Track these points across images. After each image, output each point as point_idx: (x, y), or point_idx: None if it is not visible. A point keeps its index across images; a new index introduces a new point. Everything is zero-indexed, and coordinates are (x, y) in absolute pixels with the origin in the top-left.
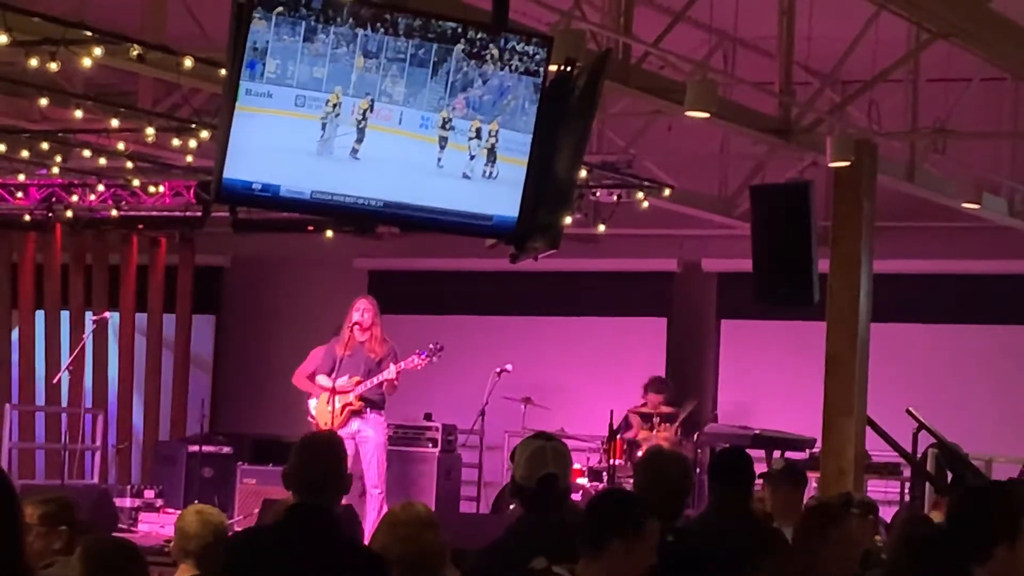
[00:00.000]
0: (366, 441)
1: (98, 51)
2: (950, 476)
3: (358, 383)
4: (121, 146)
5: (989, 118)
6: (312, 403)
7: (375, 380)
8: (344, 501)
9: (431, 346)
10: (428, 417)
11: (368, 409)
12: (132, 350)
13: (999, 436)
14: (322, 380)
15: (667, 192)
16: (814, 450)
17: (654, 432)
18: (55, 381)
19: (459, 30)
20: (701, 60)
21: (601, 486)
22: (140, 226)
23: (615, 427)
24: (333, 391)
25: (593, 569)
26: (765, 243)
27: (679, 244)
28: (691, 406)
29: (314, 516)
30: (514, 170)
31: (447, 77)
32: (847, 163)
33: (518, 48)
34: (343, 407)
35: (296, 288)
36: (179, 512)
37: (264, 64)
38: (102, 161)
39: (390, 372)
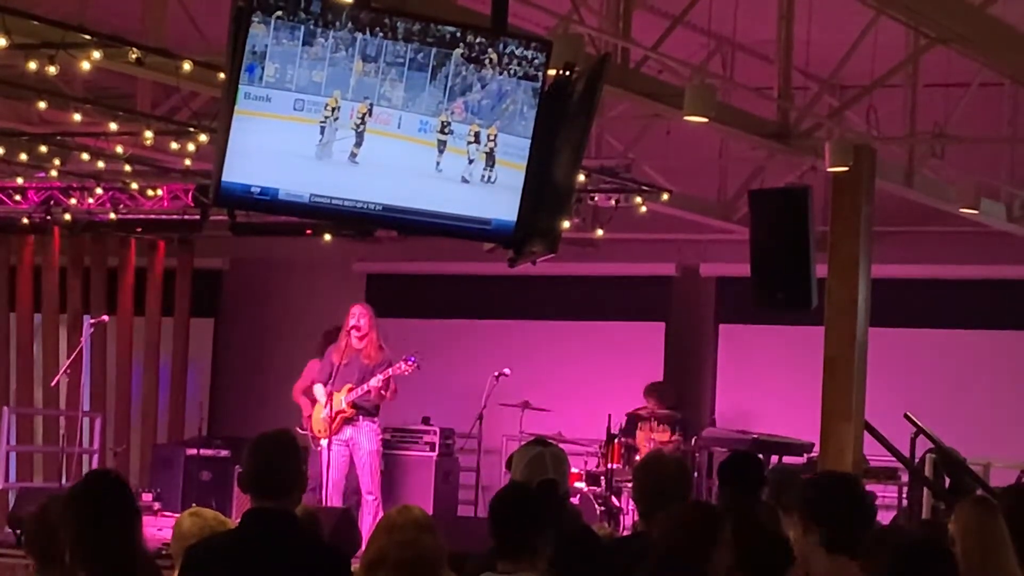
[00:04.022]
0: (359, 448)
1: (97, 54)
2: (948, 481)
3: (350, 390)
4: (119, 149)
5: (987, 123)
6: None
7: (364, 387)
8: (341, 506)
9: (410, 359)
10: (426, 421)
11: (361, 416)
12: (130, 353)
13: (997, 441)
14: (318, 390)
15: (665, 196)
16: (812, 455)
17: (653, 434)
18: (53, 384)
19: (458, 34)
20: (700, 64)
21: (599, 490)
22: (138, 229)
23: (615, 430)
24: (329, 405)
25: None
26: (763, 247)
27: (677, 248)
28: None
29: (272, 519)
30: (513, 174)
31: (446, 81)
32: (846, 168)
33: (517, 52)
34: (336, 413)
35: (294, 292)
36: (177, 515)
37: (263, 68)
38: (100, 164)
39: (377, 380)
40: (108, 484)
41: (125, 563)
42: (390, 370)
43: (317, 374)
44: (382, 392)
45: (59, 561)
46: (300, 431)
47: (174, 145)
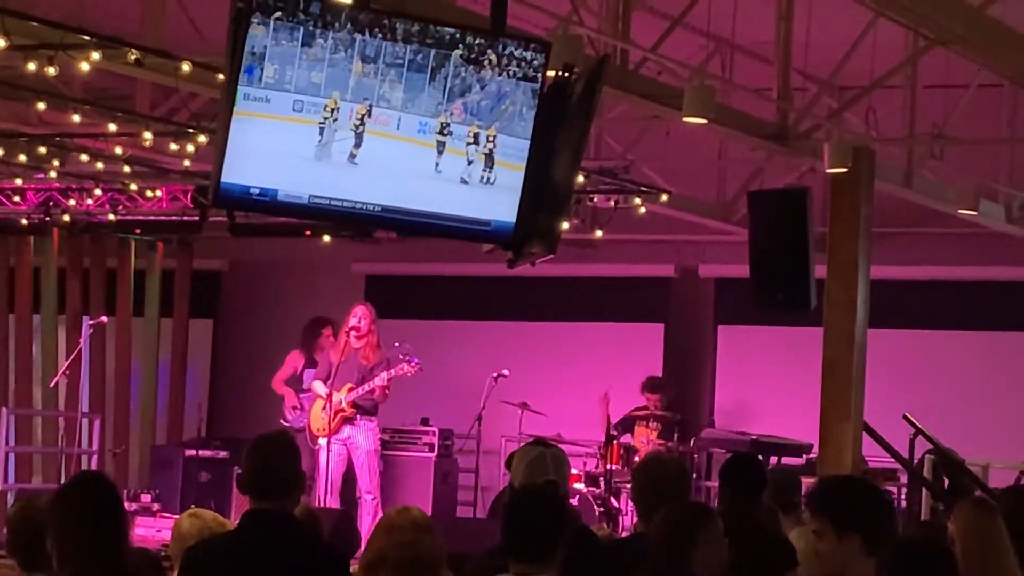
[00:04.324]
0: (357, 447)
1: (96, 55)
2: (947, 482)
3: (350, 390)
4: (119, 150)
5: (986, 124)
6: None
7: (366, 387)
8: (339, 506)
9: (413, 360)
10: (425, 422)
11: (359, 416)
12: (129, 354)
13: (996, 442)
14: (318, 387)
15: (664, 198)
16: (811, 456)
17: (650, 434)
18: (52, 385)
19: (457, 35)
20: (698, 65)
21: (598, 491)
22: (137, 230)
23: (612, 430)
24: (328, 404)
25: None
26: (763, 249)
27: (676, 250)
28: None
29: (270, 520)
30: (512, 175)
31: (445, 82)
32: (844, 169)
33: (516, 53)
34: (336, 413)
35: (293, 293)
36: (175, 516)
37: (262, 69)
38: (99, 165)
39: (380, 379)
40: (98, 486)
41: (114, 565)
42: (393, 370)
43: (318, 370)
44: (386, 391)
45: (44, 561)
46: (283, 423)
47: (173, 146)
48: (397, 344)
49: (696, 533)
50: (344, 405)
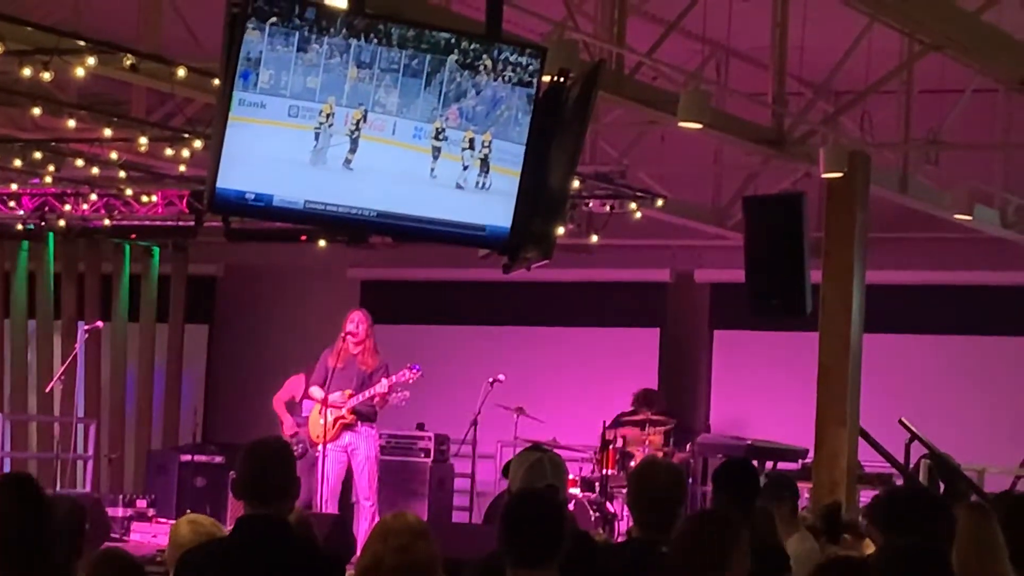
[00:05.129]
0: (358, 453)
1: (91, 60)
2: (943, 487)
3: (350, 396)
4: (114, 155)
5: (981, 129)
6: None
7: (367, 393)
8: (336, 512)
9: (415, 367)
10: (421, 427)
11: (359, 422)
12: (124, 359)
13: (991, 447)
14: (315, 392)
15: (660, 202)
16: (807, 460)
17: (645, 439)
18: (47, 390)
19: (453, 41)
20: (694, 71)
21: (594, 496)
22: (133, 235)
23: (604, 432)
24: (325, 403)
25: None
26: (758, 254)
27: (672, 255)
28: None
29: (266, 526)
30: (507, 180)
31: (440, 88)
32: (840, 174)
33: (511, 59)
34: (335, 420)
35: (289, 298)
36: (171, 522)
37: (258, 74)
38: (95, 170)
39: (382, 386)
40: (21, 487)
41: (40, 567)
42: (394, 377)
43: (314, 374)
44: (386, 398)
45: None
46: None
47: (168, 151)
48: (392, 376)
49: (733, 541)
50: (344, 412)
